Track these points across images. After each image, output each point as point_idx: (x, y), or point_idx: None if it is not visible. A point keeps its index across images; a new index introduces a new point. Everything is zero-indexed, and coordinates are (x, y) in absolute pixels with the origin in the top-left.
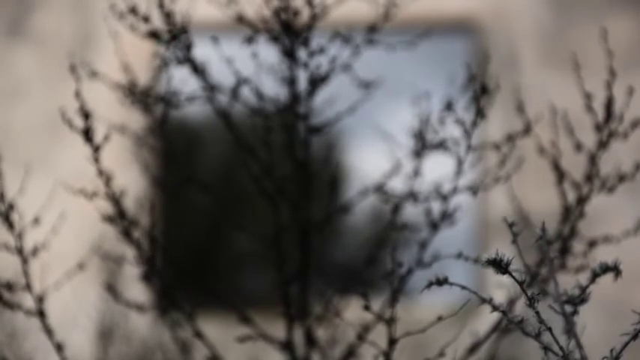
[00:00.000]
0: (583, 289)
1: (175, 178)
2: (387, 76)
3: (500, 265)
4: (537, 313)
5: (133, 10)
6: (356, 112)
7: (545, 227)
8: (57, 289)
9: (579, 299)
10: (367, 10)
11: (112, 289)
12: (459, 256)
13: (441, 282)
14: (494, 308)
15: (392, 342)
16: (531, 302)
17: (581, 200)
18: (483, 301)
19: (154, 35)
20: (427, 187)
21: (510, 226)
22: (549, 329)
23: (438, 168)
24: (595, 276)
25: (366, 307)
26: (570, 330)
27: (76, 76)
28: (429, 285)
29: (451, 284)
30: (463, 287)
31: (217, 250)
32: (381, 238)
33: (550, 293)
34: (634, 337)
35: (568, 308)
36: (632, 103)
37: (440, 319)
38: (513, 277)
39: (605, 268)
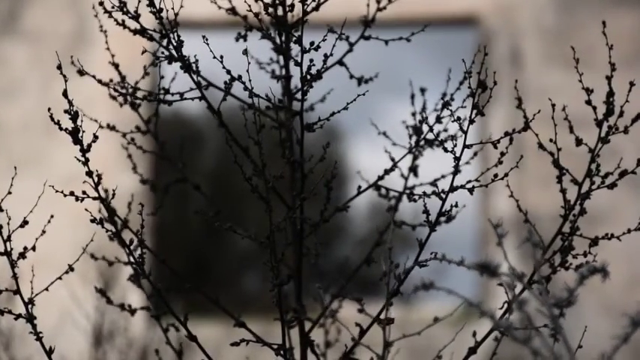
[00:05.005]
0: (571, 292)
1: (169, 177)
2: (391, 72)
3: (489, 269)
4: (528, 316)
5: (123, 7)
6: (356, 108)
7: (534, 229)
8: (51, 292)
9: (566, 302)
10: (364, 4)
11: (103, 292)
12: (442, 258)
13: (427, 286)
14: (483, 313)
15: (386, 345)
16: (520, 306)
17: (582, 197)
18: (471, 305)
19: (143, 32)
20: (425, 185)
21: (495, 227)
22: (538, 331)
23: (438, 166)
24: (583, 278)
25: (361, 310)
26: (556, 333)
27: (64, 75)
28: (415, 290)
29: (437, 289)
30: (449, 292)
31: (214, 251)
32: (379, 238)
33: (536, 295)
34: (625, 340)
35: (556, 311)
36: (635, 98)
37: (436, 320)
38: (502, 281)
39: (593, 270)
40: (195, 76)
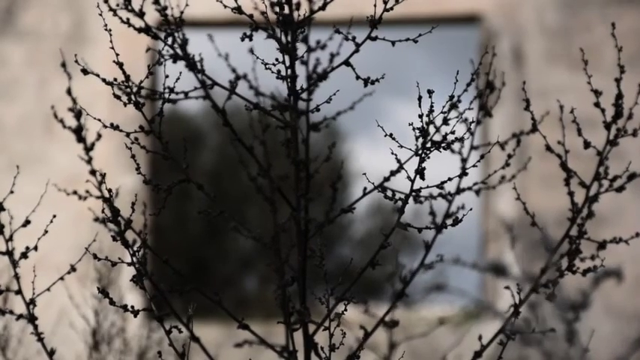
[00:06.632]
0: (586, 296)
1: (168, 177)
2: (391, 69)
3: (501, 271)
4: (539, 319)
5: (127, 5)
6: (362, 109)
7: (547, 231)
8: (48, 293)
9: (581, 305)
10: (369, 4)
11: (106, 292)
12: (457, 261)
13: (441, 288)
14: (495, 314)
15: (392, 346)
16: (533, 308)
17: (590, 200)
18: (483, 307)
19: (148, 31)
20: (431, 187)
21: (509, 230)
22: (544, 333)
23: (437, 166)
24: (597, 281)
25: (366, 311)
26: (572, 337)
27: (68, 73)
28: (428, 291)
29: (450, 291)
30: (462, 293)
31: (213, 252)
32: (385, 240)
33: (552, 300)
34: (638, 343)
35: (570, 315)
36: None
37: (442, 322)
38: (509, 286)
39: (608, 273)
40: (199, 75)
